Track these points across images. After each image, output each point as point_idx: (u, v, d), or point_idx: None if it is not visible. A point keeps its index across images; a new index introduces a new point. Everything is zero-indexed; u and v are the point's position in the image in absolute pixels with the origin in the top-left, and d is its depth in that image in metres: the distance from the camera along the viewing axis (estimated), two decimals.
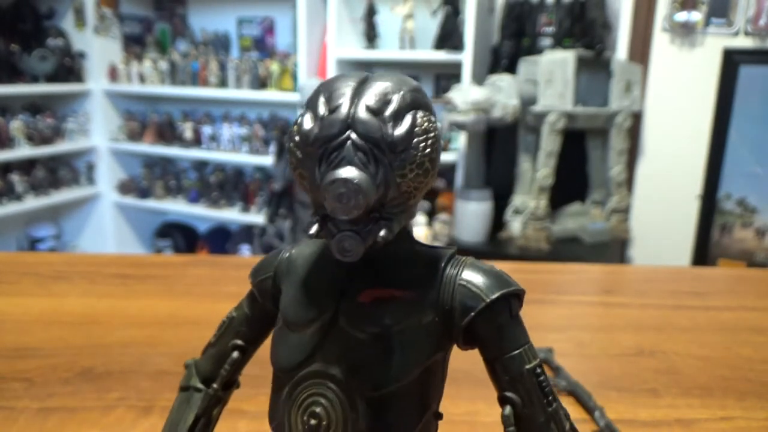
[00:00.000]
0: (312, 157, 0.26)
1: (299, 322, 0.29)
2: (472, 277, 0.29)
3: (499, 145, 2.56)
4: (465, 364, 0.69)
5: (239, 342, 0.34)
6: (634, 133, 2.37)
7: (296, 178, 0.28)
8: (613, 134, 2.27)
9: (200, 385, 0.35)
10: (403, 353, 0.28)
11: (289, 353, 0.29)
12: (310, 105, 0.28)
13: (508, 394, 0.29)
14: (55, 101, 3.34)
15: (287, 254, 0.32)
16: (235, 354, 0.34)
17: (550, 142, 2.18)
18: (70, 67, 3.25)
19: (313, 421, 0.28)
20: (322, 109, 0.27)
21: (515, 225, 2.33)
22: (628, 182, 2.41)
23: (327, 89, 0.28)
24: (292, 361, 0.29)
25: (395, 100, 0.26)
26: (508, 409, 0.30)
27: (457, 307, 0.28)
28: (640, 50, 2.36)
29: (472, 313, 0.28)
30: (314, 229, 0.27)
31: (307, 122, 0.27)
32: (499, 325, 0.29)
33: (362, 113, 0.26)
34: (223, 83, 3.16)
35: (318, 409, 0.28)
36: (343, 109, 0.26)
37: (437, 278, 0.29)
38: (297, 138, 0.27)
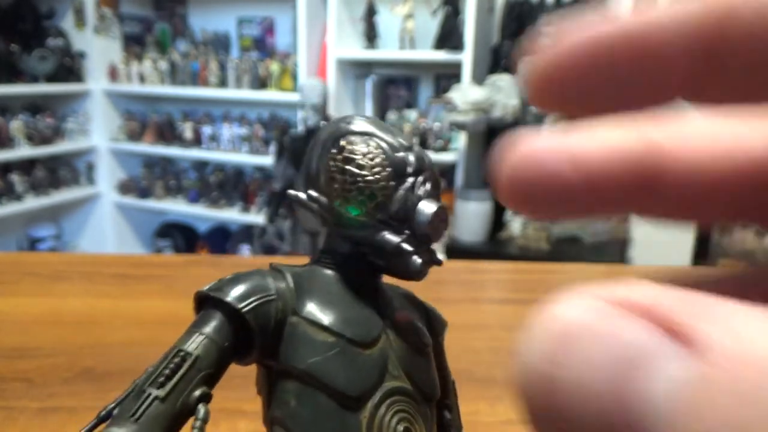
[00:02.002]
0: (399, 182, 0.29)
1: (368, 339, 0.29)
2: (432, 307, 0.34)
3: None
4: (466, 364, 0.69)
5: (206, 390, 0.26)
6: None
7: (356, 196, 0.29)
8: None
9: None
10: (433, 369, 0.31)
11: (365, 374, 0.28)
12: (376, 136, 0.30)
13: (447, 401, 0.34)
14: (55, 101, 3.34)
15: (282, 280, 0.29)
16: (203, 408, 0.26)
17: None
18: (70, 67, 3.25)
19: None
20: (398, 142, 0.30)
21: (515, 225, 2.33)
22: None
23: (383, 128, 0.30)
24: (370, 381, 0.28)
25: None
26: (447, 413, 0.34)
27: (434, 330, 0.33)
28: None
29: (440, 336, 0.33)
30: (408, 247, 0.29)
31: (385, 150, 0.29)
32: (442, 342, 0.34)
33: (427, 156, 0.31)
34: (223, 83, 3.16)
35: (408, 425, 0.29)
36: (417, 148, 0.30)
37: (418, 306, 0.33)
38: (381, 161, 0.29)
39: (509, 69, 2.43)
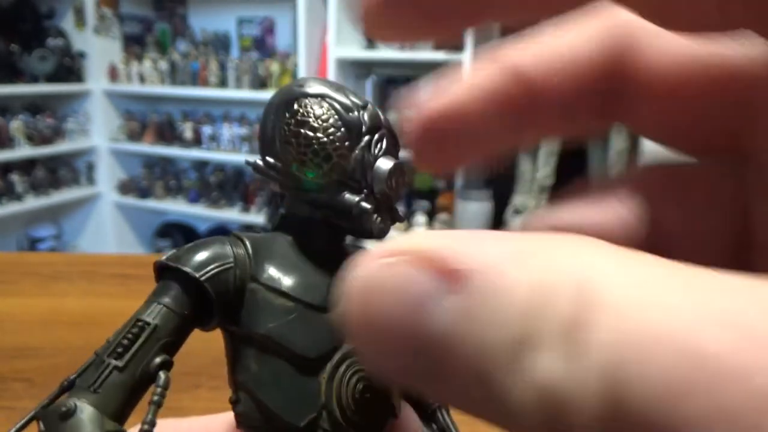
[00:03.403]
0: (354, 142, 0.29)
1: (326, 304, 0.29)
2: None
3: None
4: None
5: (166, 357, 0.27)
6: (634, 133, 2.37)
7: (311, 158, 0.29)
8: (613, 134, 2.27)
9: (120, 427, 0.27)
10: None
11: (322, 337, 0.28)
12: (329, 97, 0.30)
13: None
14: (55, 101, 3.34)
15: (240, 247, 0.29)
16: (163, 375, 0.27)
17: (550, 142, 2.18)
18: (70, 67, 3.25)
19: (367, 395, 0.29)
20: (351, 101, 0.30)
21: (515, 225, 2.33)
22: None
23: (336, 88, 0.30)
24: (327, 344, 0.29)
25: None
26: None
27: None
28: None
29: None
30: (367, 205, 0.29)
31: (339, 111, 0.29)
32: None
33: (381, 112, 0.30)
34: (223, 83, 3.16)
35: (367, 383, 0.29)
36: (370, 106, 0.30)
37: None
38: (335, 122, 0.29)
39: None
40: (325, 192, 0.29)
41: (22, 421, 0.27)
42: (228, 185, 3.34)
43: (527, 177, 2.37)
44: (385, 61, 2.91)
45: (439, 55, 2.57)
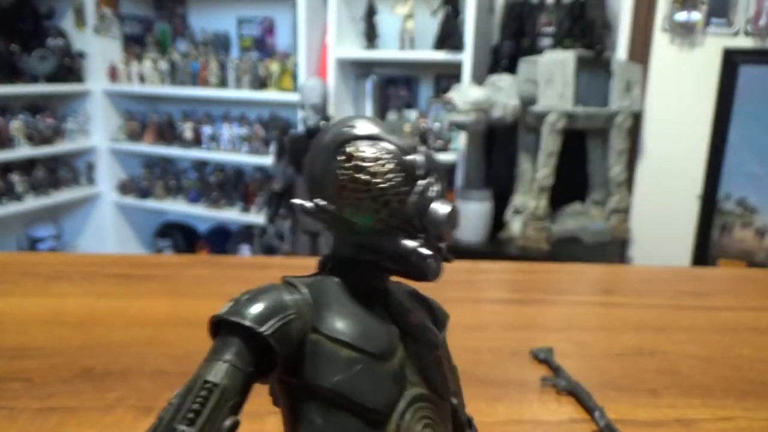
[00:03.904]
0: (411, 185, 0.29)
1: (388, 352, 0.29)
2: (433, 300, 0.34)
3: (499, 145, 2.56)
4: (465, 364, 0.69)
5: (235, 419, 0.26)
6: (634, 133, 2.37)
7: (369, 204, 0.28)
8: (613, 134, 2.27)
9: None
10: (444, 369, 0.32)
11: (387, 387, 0.28)
12: (383, 139, 0.29)
13: (453, 387, 0.35)
14: (55, 101, 3.34)
15: (297, 294, 0.28)
16: None
17: (550, 142, 2.18)
18: (70, 67, 3.25)
19: None
20: (407, 143, 0.29)
21: (515, 225, 2.33)
22: (628, 182, 2.41)
23: (389, 129, 0.30)
24: (394, 393, 0.28)
25: None
26: (454, 399, 0.34)
27: (439, 324, 0.33)
28: (640, 50, 2.36)
29: (445, 330, 0.34)
30: (427, 252, 0.28)
31: (395, 154, 0.29)
32: (445, 334, 0.34)
33: (434, 155, 0.31)
34: (223, 83, 3.16)
35: (432, 430, 0.29)
36: (421, 149, 0.30)
37: (422, 302, 0.33)
38: (393, 167, 0.28)
39: (509, 69, 2.43)
40: (378, 236, 0.29)
41: None
42: (228, 185, 3.34)
43: (527, 177, 2.37)
44: (385, 61, 2.90)
45: (439, 55, 2.57)
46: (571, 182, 2.36)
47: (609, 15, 2.42)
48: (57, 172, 3.32)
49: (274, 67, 3.02)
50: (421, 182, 0.29)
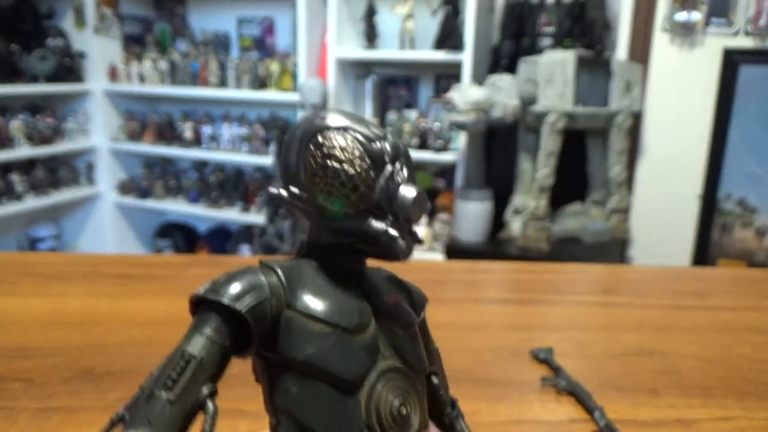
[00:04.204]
0: (378, 171, 0.31)
1: (360, 326, 0.31)
2: (412, 284, 0.36)
3: (499, 145, 2.56)
4: (465, 365, 0.69)
5: (213, 387, 0.28)
6: (634, 133, 2.37)
7: (339, 189, 0.30)
8: (613, 134, 2.27)
9: None
10: (420, 345, 0.34)
11: (360, 358, 0.30)
12: (351, 129, 0.31)
13: (432, 367, 0.36)
14: (55, 101, 3.34)
15: (273, 275, 0.30)
16: (212, 405, 0.28)
17: (550, 142, 2.18)
18: (70, 67, 3.25)
19: (404, 410, 0.31)
20: (373, 132, 0.31)
21: (515, 225, 2.33)
22: (628, 182, 2.41)
23: (357, 119, 0.32)
24: (365, 364, 0.30)
25: None
26: (435, 378, 0.36)
27: (417, 307, 0.35)
28: (640, 50, 2.36)
29: (423, 311, 0.36)
30: (395, 233, 0.30)
31: (362, 142, 0.31)
32: (424, 316, 0.36)
33: (401, 142, 0.32)
34: (223, 83, 3.16)
35: (403, 399, 0.31)
36: (389, 136, 0.32)
37: (400, 286, 0.35)
38: (360, 153, 0.30)
39: (509, 69, 2.43)
40: (350, 220, 0.31)
41: None
42: (228, 185, 3.34)
43: (527, 177, 2.37)
44: (385, 61, 2.91)
45: (439, 55, 2.57)
46: (571, 182, 2.36)
47: (609, 15, 2.42)
48: (57, 172, 3.32)
49: (274, 67, 3.02)
50: (388, 168, 0.31)
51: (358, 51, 2.79)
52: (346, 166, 0.30)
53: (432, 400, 0.36)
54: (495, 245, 2.33)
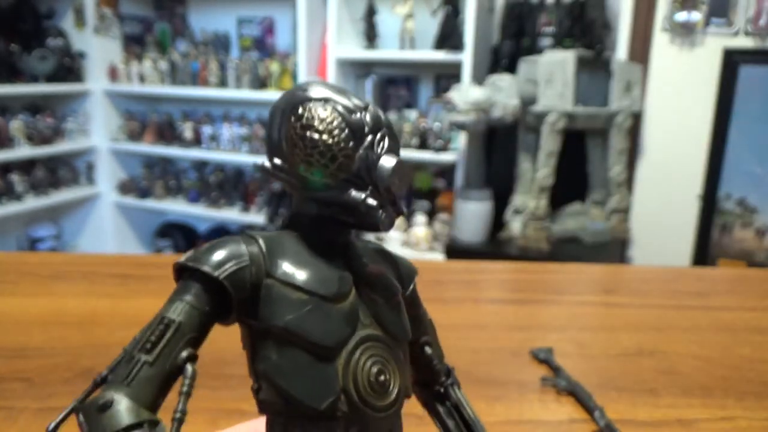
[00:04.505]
0: (358, 142, 0.31)
1: (339, 295, 0.31)
2: (401, 257, 0.37)
3: (499, 145, 2.56)
4: (465, 365, 0.69)
5: (192, 351, 0.29)
6: (634, 133, 2.37)
7: (318, 159, 0.30)
8: (613, 134, 2.27)
9: (155, 416, 0.28)
10: (403, 315, 0.34)
11: (338, 326, 0.30)
12: (332, 100, 0.31)
13: (425, 338, 0.37)
14: (55, 101, 3.34)
15: (254, 245, 0.31)
16: (190, 368, 0.28)
17: (550, 142, 2.18)
18: (70, 67, 3.25)
19: (382, 378, 0.31)
20: (354, 103, 0.32)
21: (515, 225, 2.33)
22: (628, 182, 2.41)
23: (339, 91, 0.32)
24: (344, 332, 0.31)
25: None
26: (428, 348, 0.37)
27: (404, 279, 0.36)
28: (640, 50, 2.36)
29: (412, 284, 0.36)
30: (373, 202, 0.31)
31: (342, 113, 0.31)
32: (414, 288, 0.37)
33: (382, 113, 0.32)
34: (223, 83, 3.16)
35: (381, 367, 0.31)
36: (371, 107, 0.32)
37: (388, 258, 0.36)
38: (339, 124, 0.31)
39: (509, 69, 2.43)
40: (331, 191, 0.31)
41: (61, 415, 0.29)
42: (228, 185, 3.34)
43: (527, 177, 2.37)
44: (385, 61, 2.91)
45: (439, 55, 2.57)
46: (571, 182, 2.36)
47: (609, 15, 2.42)
48: (57, 172, 3.32)
49: (274, 67, 3.02)
50: (368, 138, 0.31)
51: (358, 51, 2.79)
52: (324, 137, 0.31)
53: (427, 369, 0.37)
54: (495, 245, 2.33)
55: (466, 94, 2.15)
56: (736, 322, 0.84)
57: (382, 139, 0.32)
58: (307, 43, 2.84)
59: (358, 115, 0.31)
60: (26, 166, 3.19)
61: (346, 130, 0.31)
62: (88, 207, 3.53)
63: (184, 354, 0.28)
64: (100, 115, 3.40)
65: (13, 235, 3.30)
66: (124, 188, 3.49)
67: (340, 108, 0.31)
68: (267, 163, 0.32)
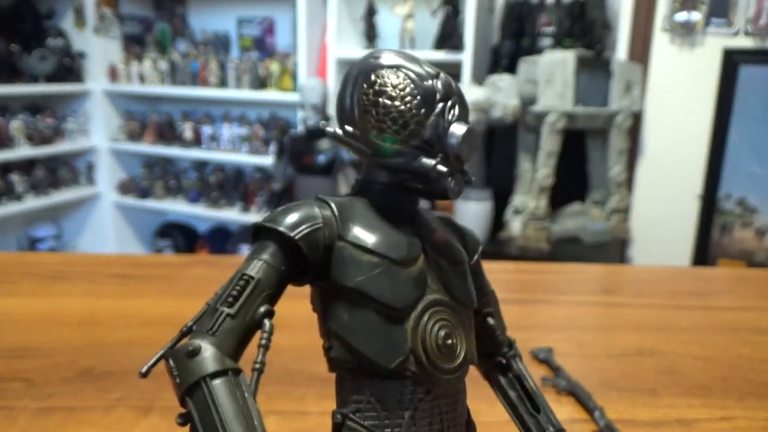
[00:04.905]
0: (429, 108, 0.31)
1: (408, 259, 0.32)
2: (466, 228, 0.38)
3: (499, 145, 2.56)
4: None
5: (269, 307, 0.30)
6: (634, 133, 2.37)
7: (390, 126, 0.31)
8: (613, 134, 2.27)
9: (237, 365, 0.29)
10: (469, 282, 0.35)
11: (407, 289, 0.31)
12: (404, 67, 0.32)
13: (488, 309, 0.38)
14: (55, 101, 3.34)
15: (327, 209, 0.32)
16: (268, 323, 0.30)
17: (550, 142, 2.18)
18: (70, 67, 3.25)
19: (449, 341, 0.32)
20: (425, 71, 0.32)
21: (515, 225, 2.33)
22: (628, 182, 2.41)
23: (410, 59, 0.33)
24: (412, 295, 0.31)
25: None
26: (491, 319, 0.38)
27: (470, 248, 0.37)
28: (640, 50, 2.36)
29: (477, 254, 0.37)
30: (444, 168, 0.31)
31: (414, 80, 0.32)
32: (479, 259, 0.38)
33: (453, 81, 0.33)
34: (223, 83, 3.16)
35: (449, 331, 0.32)
36: (443, 75, 0.32)
37: (453, 227, 0.36)
38: (411, 90, 0.31)
39: (509, 69, 2.43)
40: (401, 157, 0.32)
41: (152, 360, 0.30)
42: (228, 185, 3.34)
43: (527, 177, 2.37)
44: None
45: (439, 55, 2.57)
46: (571, 182, 2.36)
47: (609, 15, 2.42)
48: (57, 172, 3.32)
49: (274, 67, 3.02)
50: (439, 106, 0.32)
51: (358, 51, 2.79)
52: (396, 103, 0.31)
53: (489, 340, 0.38)
54: (495, 245, 2.33)
55: (466, 94, 2.15)
56: (735, 322, 0.84)
57: (453, 106, 0.32)
58: (307, 43, 2.84)
59: (430, 82, 0.32)
60: (26, 166, 3.19)
61: (418, 97, 0.31)
62: (88, 207, 3.53)
63: (263, 309, 0.30)
64: (100, 115, 3.40)
65: (13, 235, 3.30)
66: (124, 188, 3.49)
67: (412, 75, 0.32)
68: (338, 131, 0.33)
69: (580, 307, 0.91)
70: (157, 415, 0.56)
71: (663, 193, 2.43)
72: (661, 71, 2.35)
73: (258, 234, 0.32)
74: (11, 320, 0.78)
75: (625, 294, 0.99)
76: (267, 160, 3.03)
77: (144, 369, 0.30)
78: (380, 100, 0.31)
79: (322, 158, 2.49)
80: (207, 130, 3.27)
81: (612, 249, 2.33)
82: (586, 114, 2.21)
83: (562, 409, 0.61)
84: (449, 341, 0.32)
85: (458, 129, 0.31)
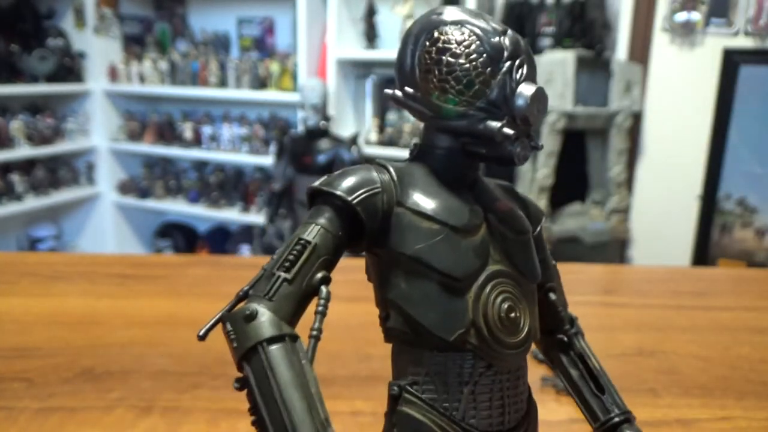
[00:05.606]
0: (496, 67, 0.29)
1: (470, 227, 0.30)
2: (528, 197, 0.36)
3: None
4: None
5: (326, 273, 0.29)
6: (634, 133, 2.37)
7: (453, 85, 0.29)
8: (613, 134, 2.27)
9: (294, 331, 0.29)
10: (533, 254, 0.33)
11: (468, 258, 0.30)
12: (469, 23, 0.30)
13: (550, 284, 0.36)
14: (55, 101, 3.34)
15: (385, 173, 0.30)
16: (325, 289, 0.29)
17: (550, 142, 2.18)
18: (70, 67, 3.25)
19: (513, 315, 0.30)
20: (492, 27, 0.30)
21: None
22: (628, 182, 2.41)
23: (475, 14, 0.30)
24: (474, 265, 0.30)
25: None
26: (552, 294, 0.36)
27: (533, 219, 0.34)
28: (640, 50, 2.36)
29: (540, 226, 0.35)
30: (510, 131, 0.29)
31: (480, 36, 0.29)
32: (541, 231, 0.36)
33: (522, 39, 0.30)
34: (223, 83, 3.16)
35: (512, 303, 0.30)
36: (510, 32, 0.30)
37: (516, 196, 0.35)
38: (476, 47, 0.29)
39: None
40: (465, 119, 0.30)
41: (210, 322, 0.29)
42: (228, 185, 3.34)
43: (527, 177, 2.37)
44: (385, 61, 2.90)
45: None
46: (571, 182, 2.36)
47: (609, 15, 2.42)
48: (57, 172, 3.32)
49: (274, 67, 3.02)
50: (506, 64, 0.29)
51: (358, 51, 2.79)
52: (461, 61, 0.29)
53: (551, 316, 0.36)
54: None
55: None
56: (735, 322, 0.84)
57: (522, 65, 0.30)
58: (307, 43, 2.84)
59: (497, 38, 0.30)
60: (26, 166, 3.19)
61: (484, 55, 0.29)
62: (88, 207, 3.53)
63: (319, 275, 0.29)
64: (100, 115, 3.40)
65: (13, 235, 3.30)
66: (124, 188, 3.49)
67: (477, 31, 0.30)
68: (398, 92, 0.31)
69: (580, 307, 0.90)
70: (157, 415, 0.56)
71: (663, 193, 2.43)
72: (661, 71, 2.35)
73: (315, 198, 0.31)
74: (11, 320, 0.78)
75: (625, 294, 0.99)
76: (267, 160, 3.03)
77: (202, 332, 0.29)
78: (443, 58, 0.29)
79: (322, 158, 2.49)
80: (207, 130, 3.27)
81: (612, 249, 2.33)
82: (586, 114, 2.21)
83: (562, 409, 0.61)
84: (512, 314, 0.30)
85: (527, 89, 0.29)
